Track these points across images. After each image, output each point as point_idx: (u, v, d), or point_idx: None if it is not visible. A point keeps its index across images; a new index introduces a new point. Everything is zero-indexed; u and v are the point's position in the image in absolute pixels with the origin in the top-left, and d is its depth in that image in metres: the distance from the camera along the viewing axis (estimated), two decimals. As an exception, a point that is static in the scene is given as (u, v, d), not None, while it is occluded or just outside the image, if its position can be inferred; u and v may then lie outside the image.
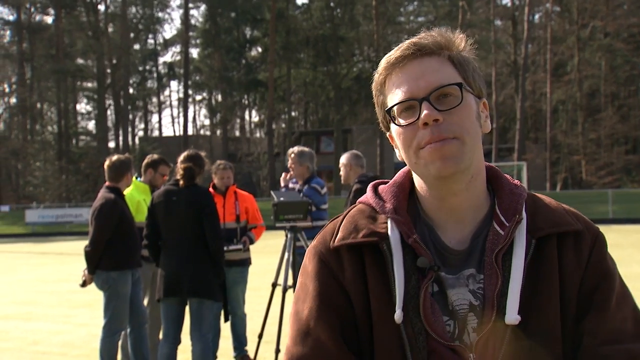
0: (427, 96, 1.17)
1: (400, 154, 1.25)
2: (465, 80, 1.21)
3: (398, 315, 1.15)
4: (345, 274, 1.22)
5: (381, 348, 1.17)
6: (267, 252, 12.11)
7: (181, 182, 4.79)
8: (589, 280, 1.19)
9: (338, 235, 1.25)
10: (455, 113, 1.17)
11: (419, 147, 1.18)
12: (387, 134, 1.29)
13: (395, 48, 1.24)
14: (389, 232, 1.22)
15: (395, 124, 1.22)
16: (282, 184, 6.15)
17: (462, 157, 1.17)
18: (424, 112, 1.16)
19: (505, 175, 1.30)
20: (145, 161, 5.95)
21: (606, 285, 1.18)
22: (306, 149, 6.01)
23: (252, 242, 5.93)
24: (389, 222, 1.23)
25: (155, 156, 6.04)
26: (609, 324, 1.15)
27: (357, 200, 1.34)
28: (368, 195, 1.31)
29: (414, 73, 1.20)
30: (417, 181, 1.27)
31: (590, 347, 1.14)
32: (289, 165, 5.99)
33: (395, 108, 1.21)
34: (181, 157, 4.90)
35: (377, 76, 1.26)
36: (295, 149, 5.99)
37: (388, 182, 1.34)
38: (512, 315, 1.13)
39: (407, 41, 1.23)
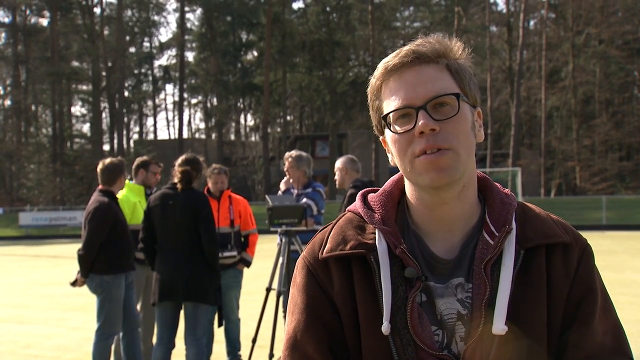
0: (424, 105, 1.16)
1: (393, 159, 1.25)
2: (462, 90, 1.21)
3: (385, 327, 1.15)
4: (333, 286, 1.22)
5: (370, 359, 1.18)
6: (261, 256, 12.07)
7: (179, 186, 4.78)
8: (576, 292, 1.20)
9: (326, 247, 1.25)
10: (451, 123, 1.17)
11: (414, 155, 1.17)
12: (381, 137, 1.29)
13: (394, 54, 1.23)
14: (377, 243, 1.21)
15: (391, 130, 1.21)
16: (283, 188, 5.96)
17: (457, 168, 1.17)
18: (421, 121, 1.15)
19: (496, 184, 1.30)
20: (136, 163, 6.01)
21: (591, 299, 1.20)
22: (304, 153, 5.92)
23: (248, 265, 5.92)
24: (376, 232, 1.23)
25: (145, 157, 6.11)
26: (591, 338, 1.17)
27: (347, 209, 1.34)
28: (357, 205, 1.31)
29: (412, 81, 1.19)
30: (409, 189, 1.26)
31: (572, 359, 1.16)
32: (285, 170, 5.90)
33: (391, 115, 1.20)
34: (179, 161, 4.88)
35: (374, 81, 1.25)
36: (293, 153, 5.88)
37: (378, 189, 1.33)
38: (500, 325, 1.13)
39: (406, 48, 1.21)
